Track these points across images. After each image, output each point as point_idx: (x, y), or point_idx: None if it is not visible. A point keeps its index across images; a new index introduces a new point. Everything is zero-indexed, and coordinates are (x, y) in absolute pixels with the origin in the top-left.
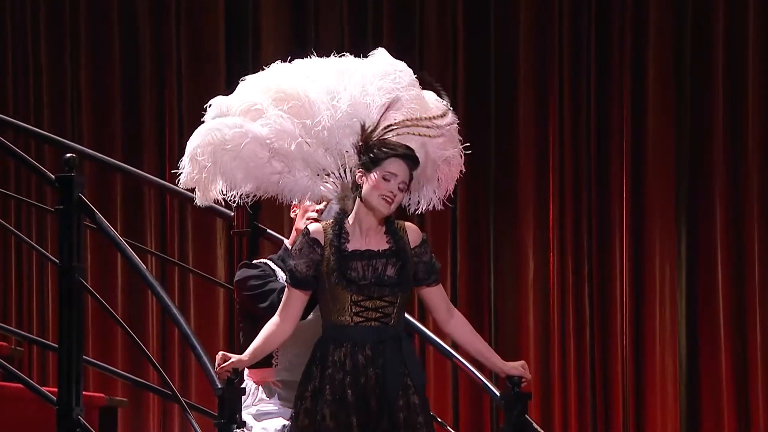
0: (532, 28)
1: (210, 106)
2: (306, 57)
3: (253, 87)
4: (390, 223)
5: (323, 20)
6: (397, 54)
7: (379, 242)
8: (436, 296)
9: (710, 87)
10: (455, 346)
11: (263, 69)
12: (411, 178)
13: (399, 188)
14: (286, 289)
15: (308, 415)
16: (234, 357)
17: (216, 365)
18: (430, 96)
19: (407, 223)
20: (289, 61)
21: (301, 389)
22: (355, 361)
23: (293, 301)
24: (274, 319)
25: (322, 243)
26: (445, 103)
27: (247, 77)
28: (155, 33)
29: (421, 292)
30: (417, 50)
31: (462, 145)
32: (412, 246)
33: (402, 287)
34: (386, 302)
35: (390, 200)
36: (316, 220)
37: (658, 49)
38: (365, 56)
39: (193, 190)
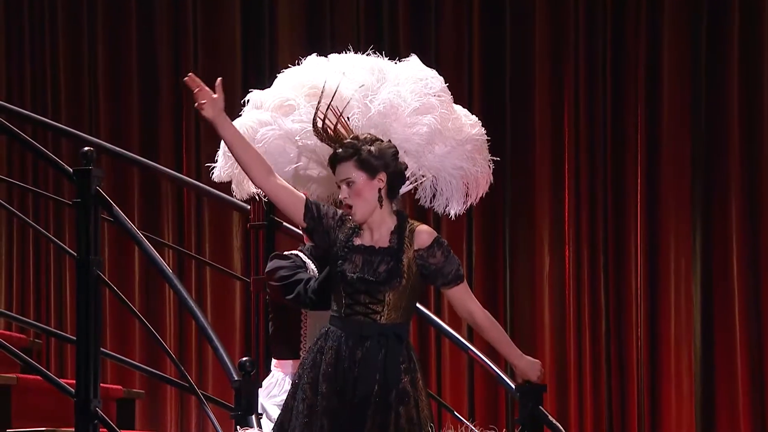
0: (548, 22)
1: (249, 100)
2: (321, 48)
3: (287, 82)
4: (401, 222)
5: (338, 10)
6: (412, 44)
7: (383, 240)
8: (452, 297)
9: (726, 80)
10: (470, 338)
11: (279, 61)
12: (361, 165)
13: (348, 185)
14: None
15: (292, 397)
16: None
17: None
18: (459, 107)
19: (419, 227)
20: (306, 54)
21: (297, 372)
22: (337, 352)
23: (293, 191)
24: (260, 164)
25: (341, 224)
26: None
27: (284, 71)
28: (172, 26)
29: (444, 292)
30: (432, 40)
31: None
32: (416, 248)
33: (388, 286)
34: (375, 299)
35: (348, 206)
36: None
37: (673, 43)
38: (381, 49)
39: (214, 184)
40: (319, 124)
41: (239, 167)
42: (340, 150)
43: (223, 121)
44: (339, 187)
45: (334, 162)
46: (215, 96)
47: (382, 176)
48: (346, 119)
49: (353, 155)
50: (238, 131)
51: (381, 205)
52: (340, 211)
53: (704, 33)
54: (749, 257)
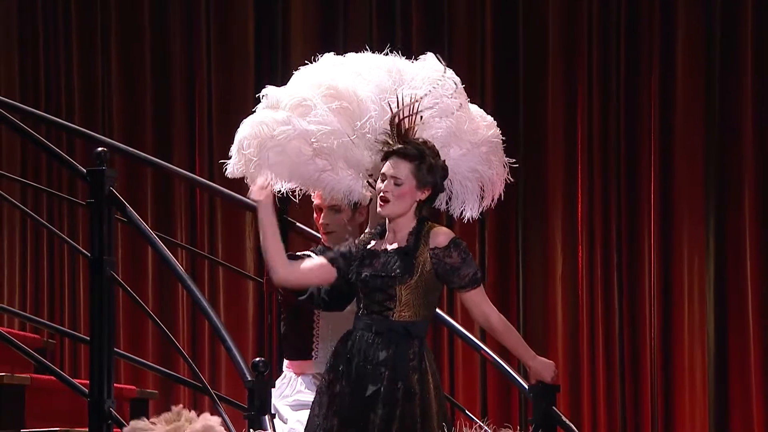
0: (562, 20)
1: (264, 96)
2: (334, 49)
3: (304, 81)
4: (420, 224)
5: (351, 11)
6: (425, 44)
7: (402, 241)
8: (468, 301)
9: (739, 74)
10: (483, 338)
11: (292, 64)
12: (417, 173)
13: (395, 184)
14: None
15: (318, 403)
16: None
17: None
18: (475, 108)
19: (437, 228)
20: (319, 55)
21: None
22: (350, 351)
23: (312, 264)
24: (284, 260)
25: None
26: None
27: (301, 69)
28: (185, 28)
29: (459, 295)
30: (445, 40)
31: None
32: (432, 247)
33: (398, 281)
34: (388, 295)
35: (385, 200)
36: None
37: (687, 39)
38: (393, 50)
39: (227, 185)
40: (399, 115)
41: (254, 166)
42: (407, 147)
43: (267, 206)
44: (381, 179)
45: (392, 153)
46: (267, 188)
47: (427, 191)
48: (419, 119)
49: (415, 160)
50: (276, 223)
51: (416, 215)
52: (360, 237)
53: (718, 27)
54: (763, 256)
